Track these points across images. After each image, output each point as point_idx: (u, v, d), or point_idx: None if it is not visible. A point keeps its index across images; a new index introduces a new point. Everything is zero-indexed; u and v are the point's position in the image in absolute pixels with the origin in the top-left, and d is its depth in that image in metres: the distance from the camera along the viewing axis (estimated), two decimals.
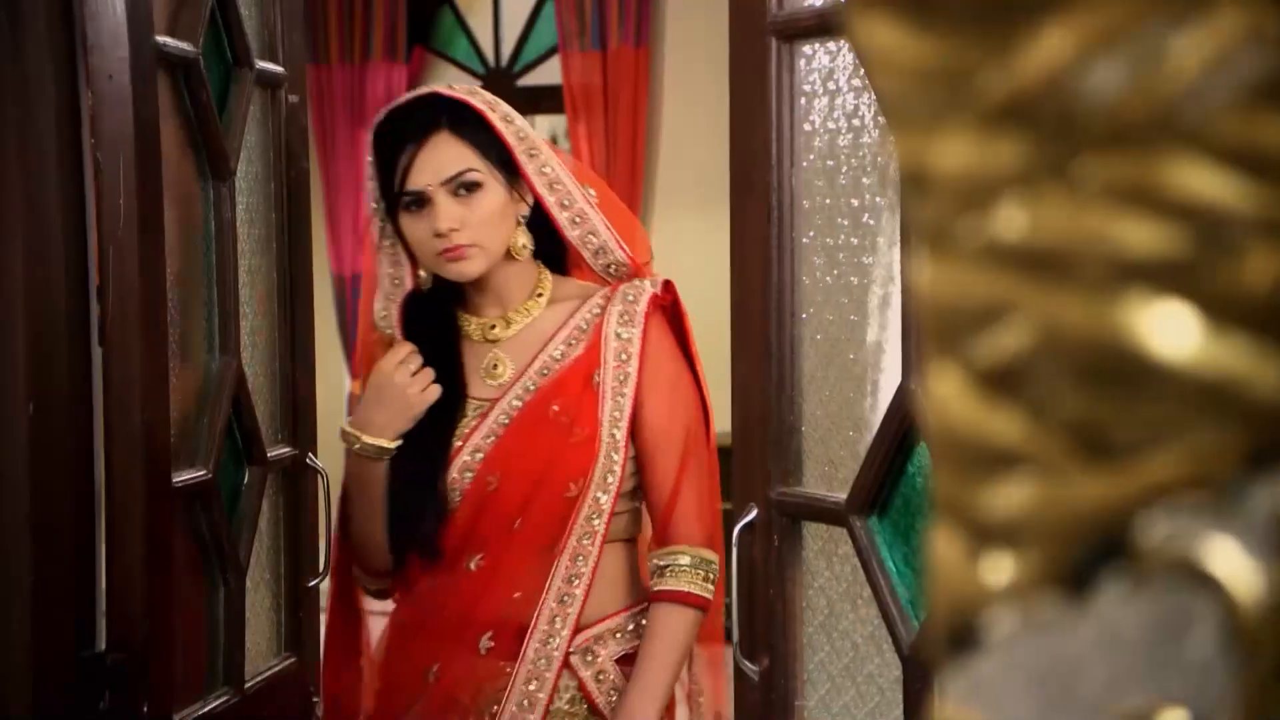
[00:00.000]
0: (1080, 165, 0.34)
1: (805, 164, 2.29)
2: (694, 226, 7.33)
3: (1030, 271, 0.34)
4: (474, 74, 8.21)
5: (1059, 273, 0.34)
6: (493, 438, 2.37)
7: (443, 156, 2.33)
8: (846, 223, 2.25)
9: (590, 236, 2.42)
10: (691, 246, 7.37)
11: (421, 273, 2.41)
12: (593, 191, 2.46)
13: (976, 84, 0.34)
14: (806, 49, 2.27)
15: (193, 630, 2.63)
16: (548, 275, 2.45)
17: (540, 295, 2.44)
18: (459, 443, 2.38)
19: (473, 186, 2.33)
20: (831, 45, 2.23)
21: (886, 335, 2.19)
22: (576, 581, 2.36)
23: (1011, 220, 0.34)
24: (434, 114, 2.34)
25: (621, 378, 2.37)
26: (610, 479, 2.35)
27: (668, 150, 7.57)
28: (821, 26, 2.23)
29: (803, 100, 2.28)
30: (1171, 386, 0.33)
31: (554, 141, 13.89)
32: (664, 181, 7.61)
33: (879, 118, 2.18)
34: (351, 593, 2.59)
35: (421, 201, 2.33)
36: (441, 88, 2.42)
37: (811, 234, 2.30)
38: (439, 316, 2.46)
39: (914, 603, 2.11)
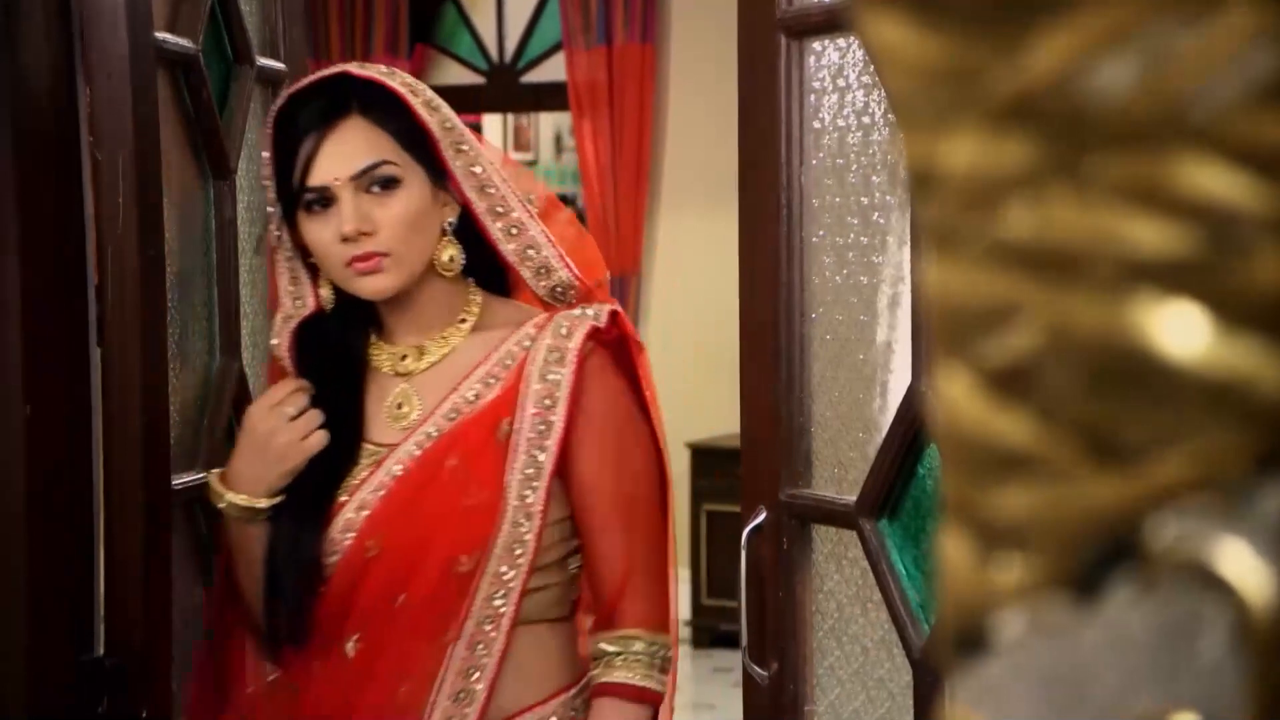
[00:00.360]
0: (1089, 164, 0.34)
1: (815, 162, 2.29)
2: (700, 225, 7.34)
3: (1039, 271, 0.34)
4: (477, 70, 8.21)
5: (1068, 273, 0.34)
6: (381, 492, 1.98)
7: (352, 146, 1.96)
8: (856, 221, 2.25)
9: (529, 252, 2.02)
10: (698, 245, 7.38)
11: (323, 289, 2.03)
12: (534, 198, 2.10)
13: (985, 83, 0.34)
14: (816, 45, 2.28)
15: (193, 635, 2.63)
16: (478, 297, 2.05)
17: (463, 321, 2.04)
18: (345, 496, 1.99)
19: (389, 183, 1.95)
20: (841, 42, 2.23)
21: (896, 335, 2.19)
22: (477, 675, 1.96)
23: (1020, 220, 0.35)
24: (343, 96, 1.97)
25: (541, 428, 1.95)
26: (519, 551, 1.94)
27: (674, 148, 7.58)
28: (831, 23, 2.24)
29: (812, 97, 2.29)
30: (1181, 387, 0.34)
31: (558, 140, 13.80)
32: (670, 179, 7.62)
33: (889, 115, 2.18)
34: (222, 659, 2.20)
35: (326, 200, 1.96)
36: (353, 66, 2.04)
37: (821, 233, 2.30)
38: (341, 343, 2.06)
39: (924, 606, 2.11)
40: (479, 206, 2.00)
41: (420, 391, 2.03)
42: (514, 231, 2.02)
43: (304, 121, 1.98)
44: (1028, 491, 0.35)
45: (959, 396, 0.36)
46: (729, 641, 6.94)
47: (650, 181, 7.67)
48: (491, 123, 10.85)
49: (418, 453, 1.98)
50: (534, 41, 8.16)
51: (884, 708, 2.23)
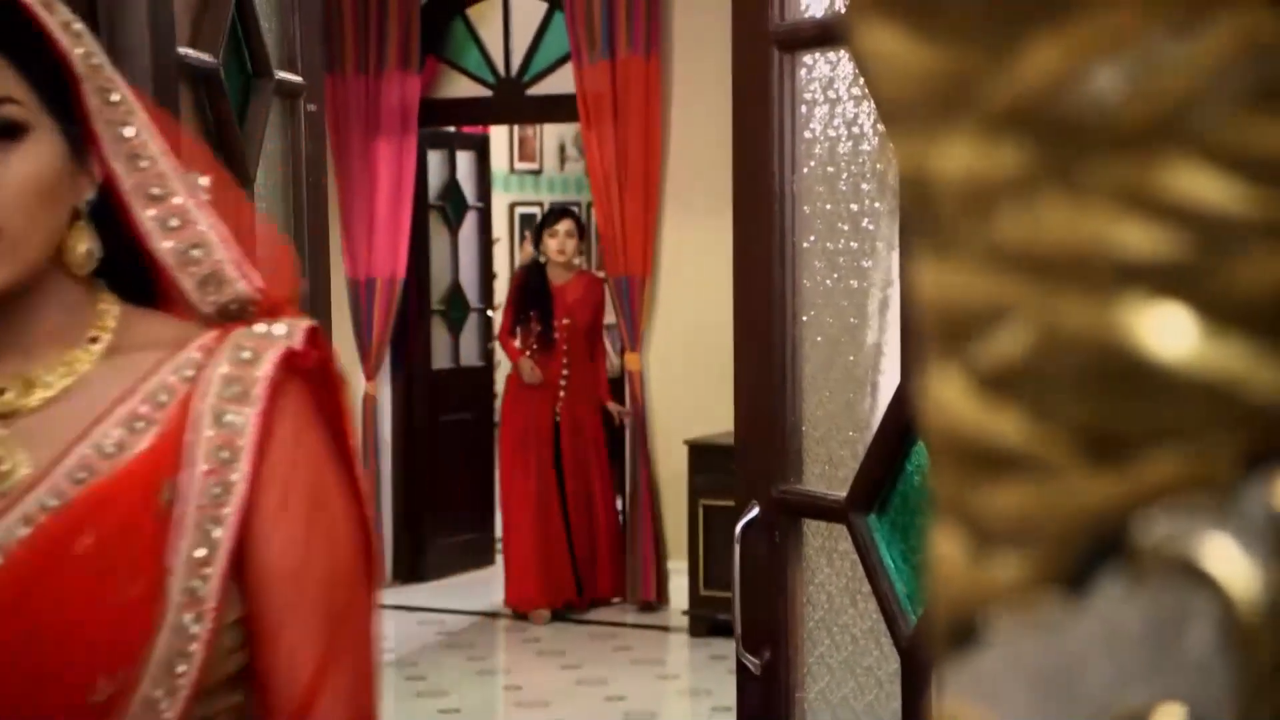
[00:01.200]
0: (1081, 170, 0.33)
1: (806, 170, 2.29)
2: (702, 230, 7.34)
3: (1031, 274, 0.34)
4: (484, 84, 8.23)
5: (1059, 275, 0.34)
6: None
7: None
8: (846, 227, 2.25)
9: (194, 252, 1.39)
10: (699, 249, 7.38)
11: None
12: (205, 181, 1.47)
13: (979, 90, 0.34)
14: (807, 59, 2.27)
15: None
16: (113, 308, 1.40)
17: (95, 342, 1.38)
18: None
19: (10, 131, 1.31)
20: (831, 55, 2.23)
21: (885, 337, 2.19)
22: None
23: (1013, 224, 0.34)
24: None
25: (217, 491, 1.33)
26: (182, 667, 1.30)
27: (677, 156, 7.59)
28: (822, 37, 2.23)
29: (803, 108, 2.28)
30: (1171, 388, 0.33)
31: (561, 150, 13.75)
32: (673, 187, 7.63)
33: (878, 125, 2.17)
34: None
35: None
36: None
37: (812, 238, 2.30)
38: None
39: (912, 598, 2.11)
40: (126, 183, 1.38)
41: (29, 441, 1.35)
42: (174, 224, 1.39)
43: None
44: (1019, 489, 0.35)
45: (952, 397, 0.36)
46: (725, 630, 6.95)
47: (657, 188, 7.69)
48: (498, 134, 10.87)
49: (27, 531, 1.30)
50: (539, 56, 8.18)
51: (872, 695, 2.22)
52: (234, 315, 1.40)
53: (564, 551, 7.82)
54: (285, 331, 1.38)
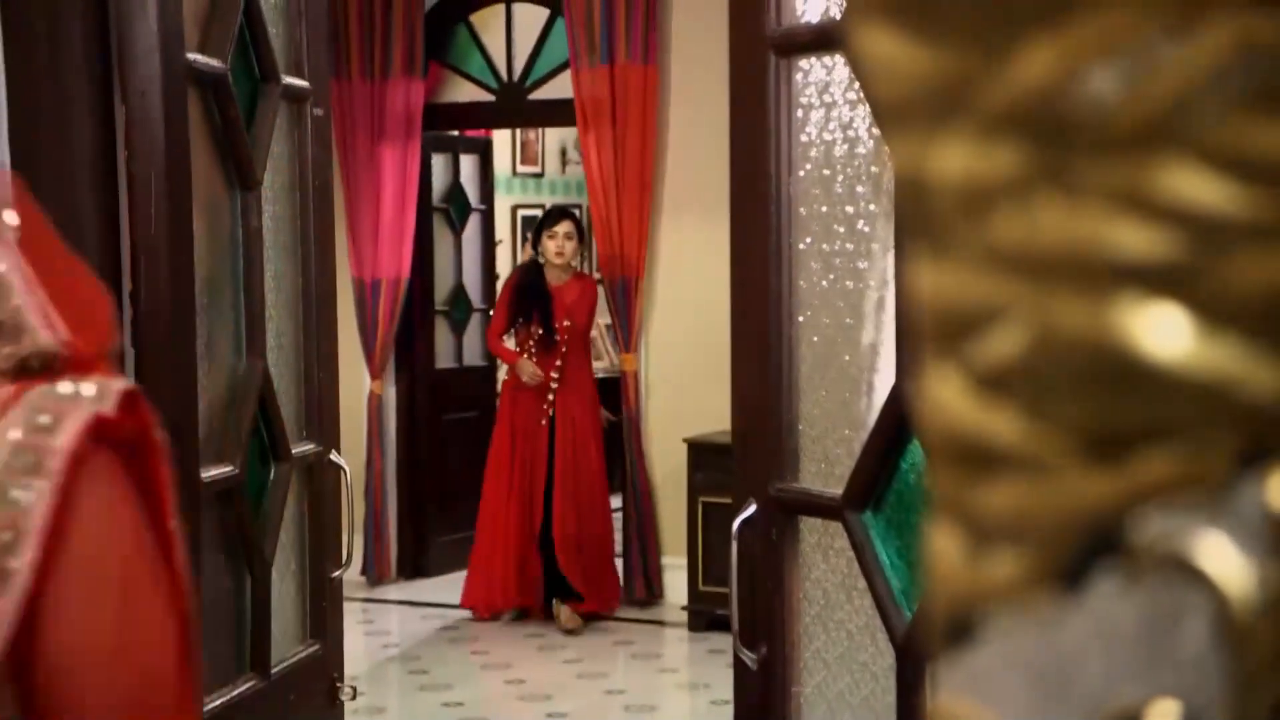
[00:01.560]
0: (1076, 171, 0.33)
1: (802, 173, 2.28)
2: (698, 232, 7.34)
3: (1027, 275, 0.33)
4: (487, 88, 8.23)
5: (1056, 276, 0.33)
6: None
7: None
8: (842, 229, 2.25)
9: None
10: (696, 251, 7.38)
11: None
12: (14, 219, 1.19)
13: (976, 92, 0.33)
14: (803, 63, 2.27)
15: (221, 619, 2.62)
16: None
17: None
18: None
19: None
20: (827, 60, 2.23)
21: (881, 337, 2.18)
22: None
23: (1009, 225, 0.34)
24: None
25: None
26: None
27: (673, 160, 7.58)
28: (817, 42, 2.23)
29: (800, 112, 2.28)
30: (1166, 388, 0.33)
31: (563, 154, 13.76)
32: (670, 190, 7.62)
33: (873, 129, 2.17)
34: None
35: None
36: None
37: (808, 240, 2.29)
38: None
39: (906, 594, 2.10)
40: None
41: None
42: None
43: None
44: (1016, 488, 0.34)
45: (949, 396, 0.35)
46: (724, 625, 6.93)
47: (652, 191, 7.68)
48: (501, 137, 10.86)
49: None
50: (541, 61, 8.18)
51: (868, 689, 2.22)
52: (35, 373, 1.14)
53: (538, 552, 7.62)
54: (94, 393, 1.12)
